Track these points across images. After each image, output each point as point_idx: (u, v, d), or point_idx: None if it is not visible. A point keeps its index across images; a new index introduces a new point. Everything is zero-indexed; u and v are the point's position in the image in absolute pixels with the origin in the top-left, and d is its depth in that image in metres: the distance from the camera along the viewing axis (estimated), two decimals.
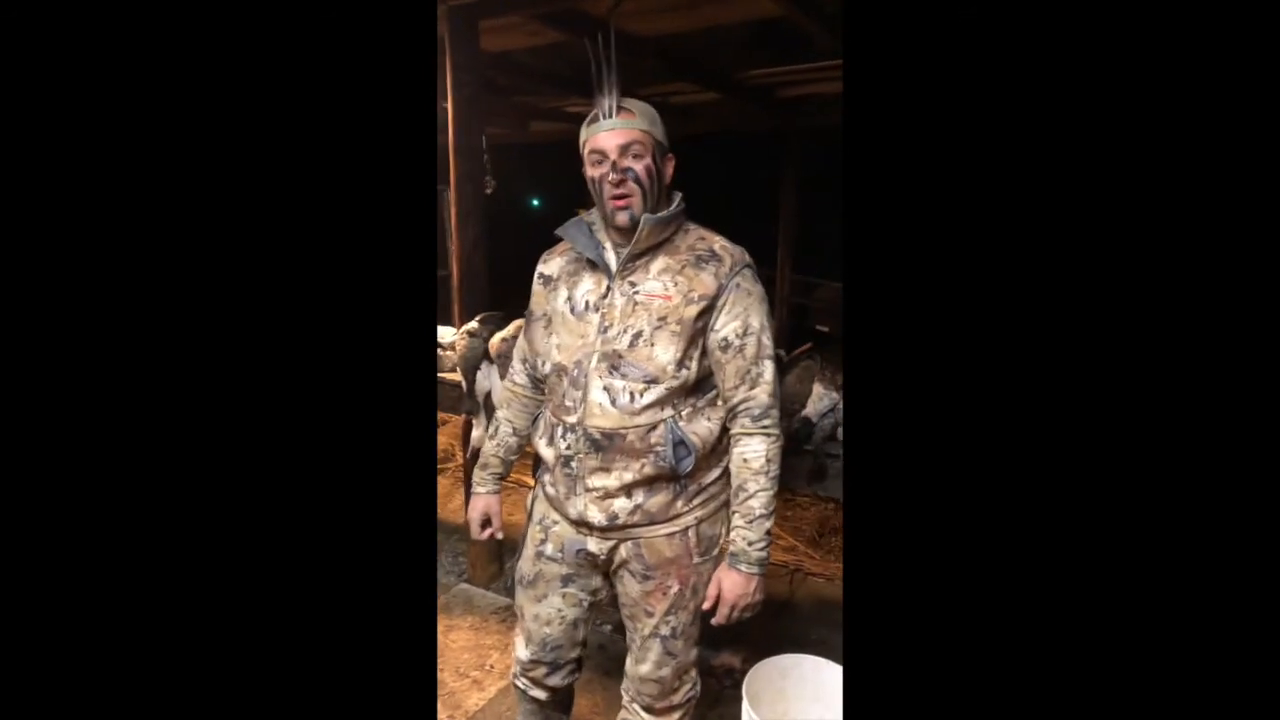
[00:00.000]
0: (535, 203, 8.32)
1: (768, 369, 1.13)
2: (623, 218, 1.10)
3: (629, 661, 1.27)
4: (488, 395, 2.12)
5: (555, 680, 1.32)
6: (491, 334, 2.07)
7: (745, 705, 1.33)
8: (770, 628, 1.96)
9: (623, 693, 1.30)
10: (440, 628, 2.13)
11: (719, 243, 1.15)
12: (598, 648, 1.99)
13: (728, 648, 1.93)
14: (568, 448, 1.15)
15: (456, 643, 2.07)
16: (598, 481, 1.14)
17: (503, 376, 2.04)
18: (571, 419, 1.14)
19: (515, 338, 2.01)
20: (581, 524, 1.18)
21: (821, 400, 1.64)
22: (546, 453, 1.20)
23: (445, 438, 3.55)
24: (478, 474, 1.36)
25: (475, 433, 2.16)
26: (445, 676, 1.92)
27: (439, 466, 3.30)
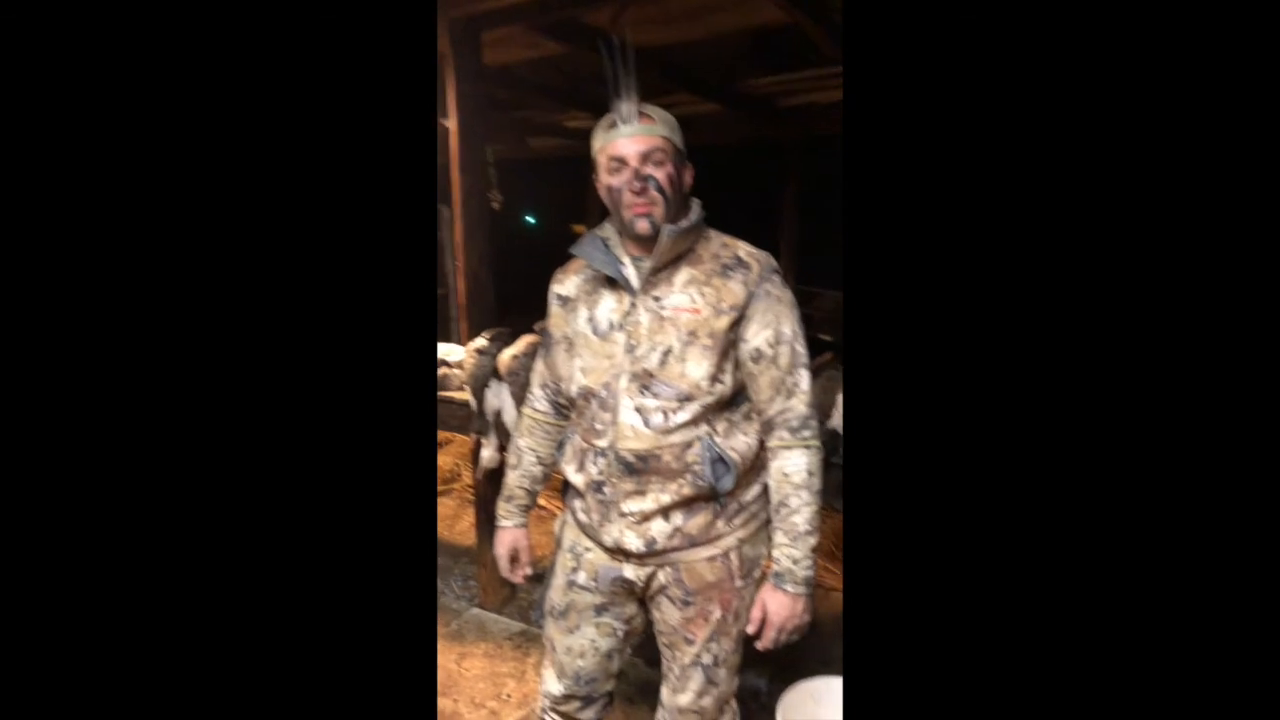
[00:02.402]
0: (531, 220, 8.26)
1: (803, 378, 1.08)
2: (643, 225, 1.04)
3: (665, 691, 1.21)
4: (498, 414, 2.07)
5: (588, 715, 1.26)
6: (500, 351, 2.02)
7: None
8: (794, 646, 1.91)
9: None
10: (453, 656, 2.06)
11: (743, 249, 1.11)
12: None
13: (753, 669, 1.87)
14: (599, 473, 1.10)
15: (471, 671, 2.00)
16: (633, 506, 1.08)
17: (514, 394, 2.00)
18: (602, 443, 1.09)
19: (526, 355, 1.98)
20: (617, 551, 1.12)
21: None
22: (576, 479, 1.14)
23: (451, 457, 3.48)
24: (502, 506, 1.29)
25: (485, 453, 2.11)
26: (461, 707, 1.85)
27: (445, 487, 3.23)
